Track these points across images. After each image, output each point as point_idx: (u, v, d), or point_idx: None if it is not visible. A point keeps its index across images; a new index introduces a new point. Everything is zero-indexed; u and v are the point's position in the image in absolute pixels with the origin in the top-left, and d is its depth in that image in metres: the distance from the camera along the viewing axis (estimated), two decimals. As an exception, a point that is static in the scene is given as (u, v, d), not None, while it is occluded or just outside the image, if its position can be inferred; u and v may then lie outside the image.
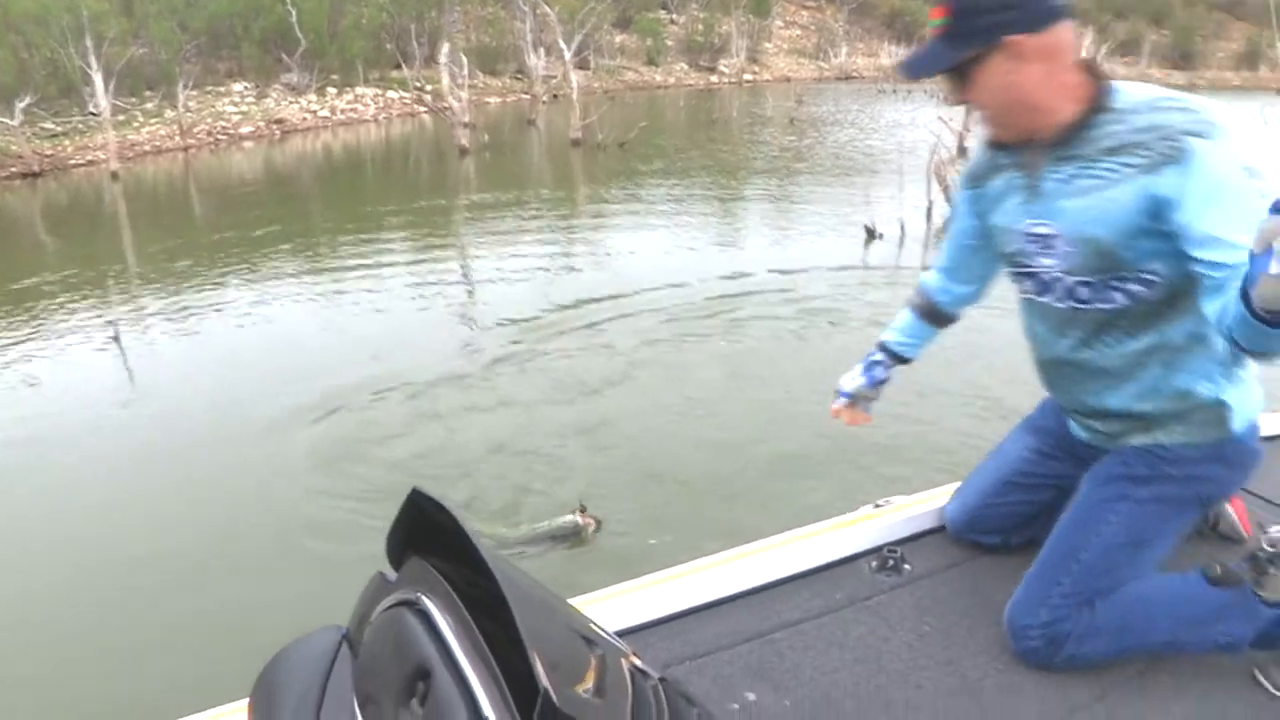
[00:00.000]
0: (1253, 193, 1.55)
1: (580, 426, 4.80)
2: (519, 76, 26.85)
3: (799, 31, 39.78)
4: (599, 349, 6.01)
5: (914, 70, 1.80)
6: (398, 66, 24.10)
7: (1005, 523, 2.26)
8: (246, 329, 6.67)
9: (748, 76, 33.71)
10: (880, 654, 1.96)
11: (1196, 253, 1.58)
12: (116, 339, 6.38)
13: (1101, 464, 2.00)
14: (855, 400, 2.29)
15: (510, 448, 4.57)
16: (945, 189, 10.65)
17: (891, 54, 40.45)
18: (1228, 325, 1.47)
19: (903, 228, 9.48)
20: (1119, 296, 1.79)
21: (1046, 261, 1.85)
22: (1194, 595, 1.92)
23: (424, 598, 1.04)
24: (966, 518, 2.30)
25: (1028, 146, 1.83)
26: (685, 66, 33.10)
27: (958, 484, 2.40)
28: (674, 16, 35.35)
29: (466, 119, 17.06)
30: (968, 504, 2.30)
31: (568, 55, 19.38)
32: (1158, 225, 1.66)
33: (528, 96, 23.90)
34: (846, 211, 10.67)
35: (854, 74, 37.25)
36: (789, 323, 6.57)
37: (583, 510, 3.77)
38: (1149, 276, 1.74)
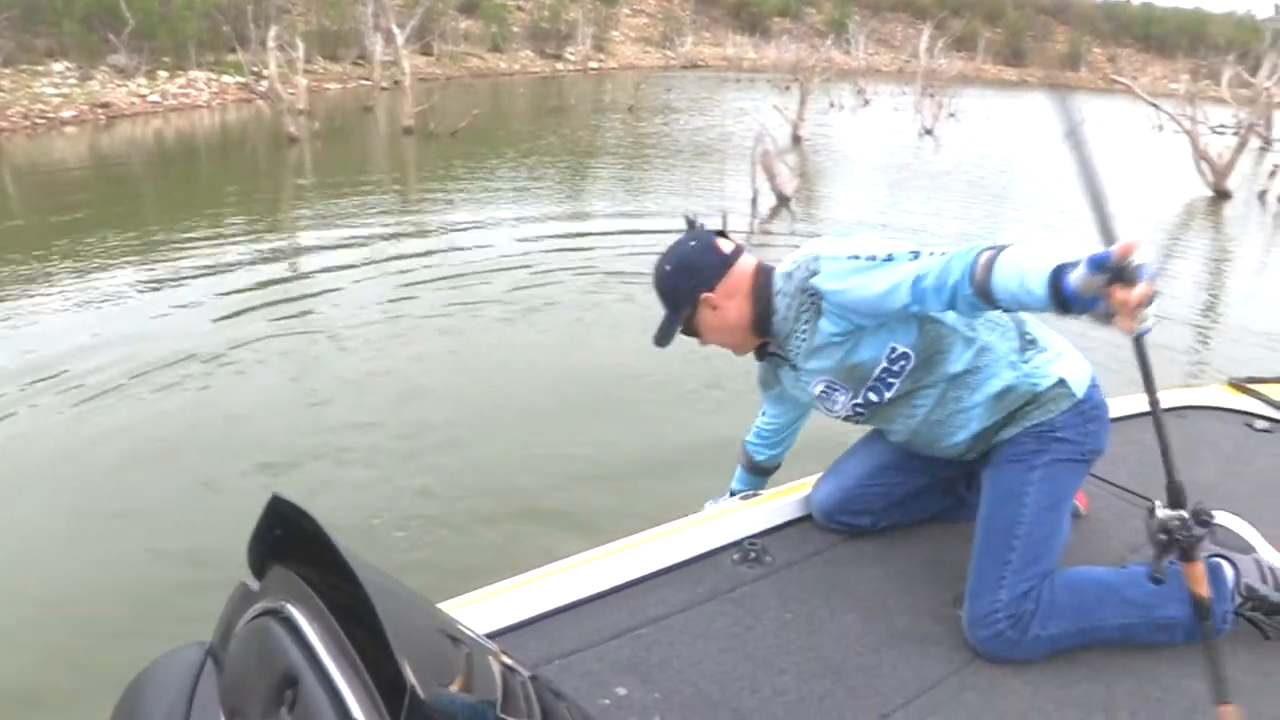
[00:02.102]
0: (869, 253, 1.99)
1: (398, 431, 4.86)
2: (360, 62, 26.39)
3: (646, 20, 40.13)
4: (395, 338, 6.10)
5: (659, 340, 2.27)
6: (234, 50, 23.28)
7: (877, 503, 2.44)
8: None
9: (593, 64, 33.85)
10: (745, 643, 2.03)
11: (892, 305, 1.96)
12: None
13: (995, 452, 2.20)
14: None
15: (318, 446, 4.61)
16: (771, 178, 10.80)
17: (737, 43, 41.19)
18: (986, 305, 1.80)
19: (724, 219, 9.62)
20: (893, 380, 2.15)
21: (841, 398, 2.22)
22: (1138, 580, 2.06)
23: (289, 606, 1.01)
24: (840, 498, 2.45)
25: (774, 346, 2.30)
26: (531, 53, 32.97)
27: (817, 475, 2.52)
28: (520, 2, 35.21)
29: (301, 106, 16.80)
30: (842, 485, 2.46)
31: (400, 40, 19.22)
32: (857, 331, 2.08)
33: (369, 83, 23.59)
34: (674, 201, 10.79)
35: (700, 63, 37.80)
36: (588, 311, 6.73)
37: None
38: (896, 354, 2.11)
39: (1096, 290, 1.50)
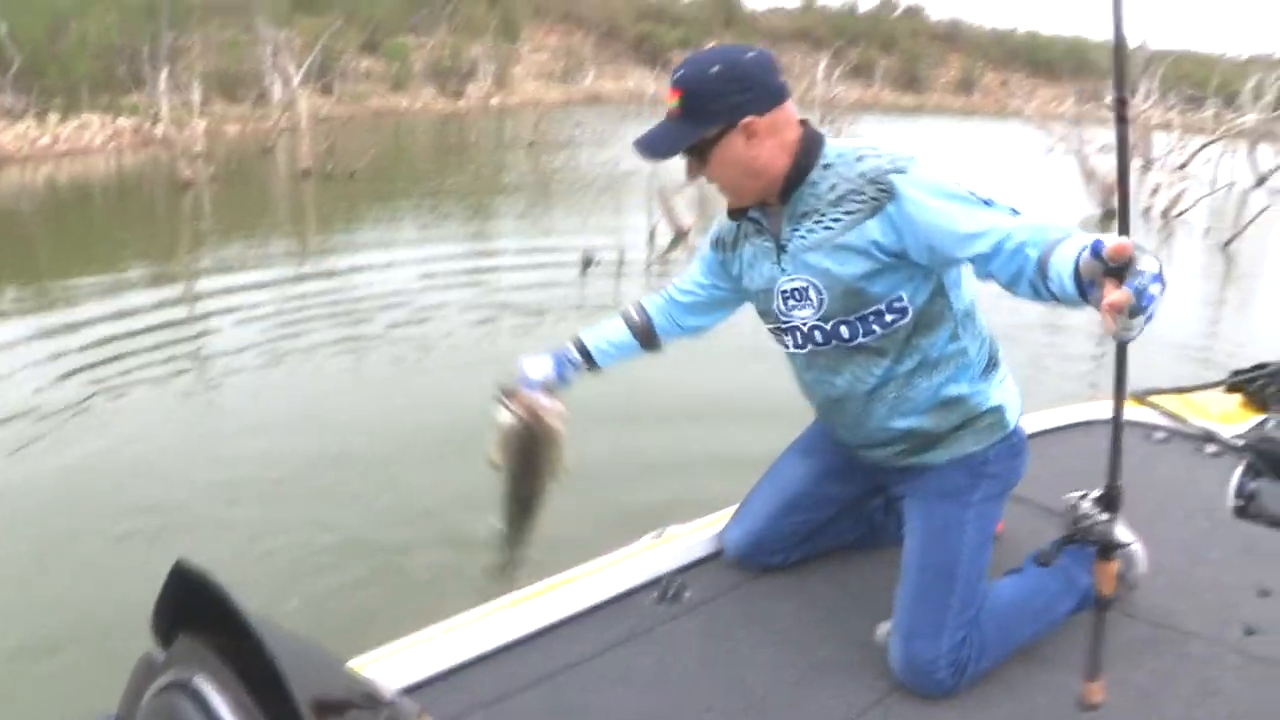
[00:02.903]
0: (966, 191, 1.77)
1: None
2: (261, 103, 26.11)
3: (547, 55, 40.32)
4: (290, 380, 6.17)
5: (653, 150, 1.93)
6: (131, 91, 22.69)
7: (787, 541, 2.37)
8: None
9: (495, 101, 33.89)
10: (667, 683, 2.01)
11: (963, 253, 1.75)
12: None
13: (921, 483, 2.12)
14: (536, 391, 2.14)
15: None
16: (668, 213, 10.90)
17: (638, 77, 41.64)
18: (1054, 297, 1.58)
19: (621, 254, 9.50)
20: (876, 328, 1.95)
21: (803, 313, 2.00)
22: (1038, 587, 2.14)
23: (196, 677, 0.96)
24: (751, 540, 2.37)
25: (765, 212, 2.01)
26: (433, 91, 33.02)
27: (733, 508, 2.47)
28: (421, 40, 35.22)
29: (198, 149, 16.62)
30: (752, 528, 2.37)
31: (295, 81, 19.11)
32: (896, 257, 1.86)
33: (268, 124, 23.31)
34: (572, 238, 10.78)
35: (602, 97, 38.13)
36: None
37: None
38: (898, 304, 1.92)
39: (1094, 275, 1.43)
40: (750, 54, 1.90)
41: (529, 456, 2.08)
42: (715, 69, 1.86)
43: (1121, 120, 1.64)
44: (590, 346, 2.30)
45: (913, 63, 51.17)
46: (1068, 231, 1.58)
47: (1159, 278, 1.37)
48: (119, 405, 5.71)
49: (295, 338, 7.10)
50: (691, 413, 5.50)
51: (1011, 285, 1.68)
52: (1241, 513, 2.76)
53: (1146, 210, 16.07)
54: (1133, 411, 3.26)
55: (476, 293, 8.62)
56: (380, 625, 2.27)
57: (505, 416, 2.09)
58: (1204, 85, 27.76)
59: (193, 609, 1.02)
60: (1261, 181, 23.71)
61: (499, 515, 2.15)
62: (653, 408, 5.44)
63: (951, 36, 53.99)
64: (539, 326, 7.51)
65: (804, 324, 2.02)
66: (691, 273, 2.31)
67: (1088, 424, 3.22)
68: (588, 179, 16.85)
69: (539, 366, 2.21)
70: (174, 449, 5.11)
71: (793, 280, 1.99)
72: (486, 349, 6.94)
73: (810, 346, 2.04)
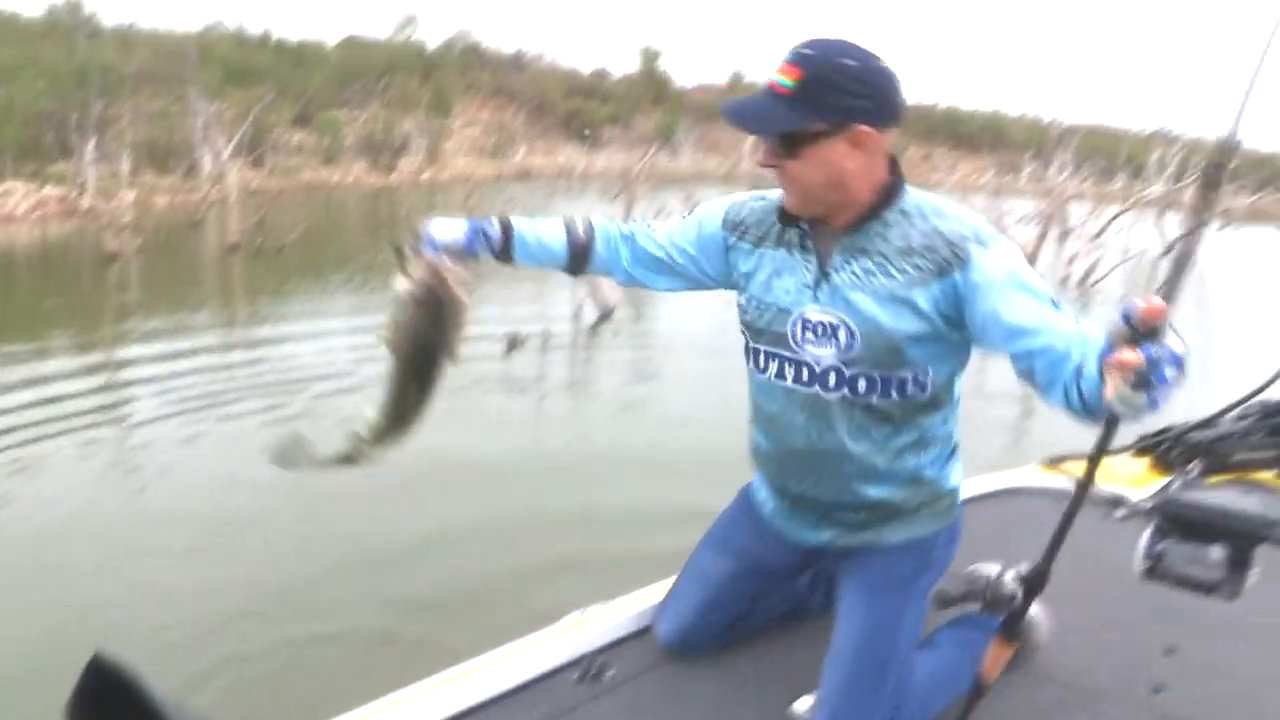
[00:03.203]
0: (1039, 284, 1.67)
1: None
2: (191, 175, 25.94)
3: (479, 130, 40.57)
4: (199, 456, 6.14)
5: (752, 120, 1.78)
6: (59, 159, 22.36)
7: (717, 630, 2.26)
8: None
9: (426, 175, 33.96)
10: None
11: (1013, 346, 1.63)
12: None
13: (865, 569, 2.03)
14: (440, 255, 1.89)
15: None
16: (593, 291, 10.83)
17: (568, 152, 42.09)
18: (1082, 401, 1.49)
19: (546, 334, 9.47)
20: (895, 393, 1.84)
21: (822, 350, 1.85)
22: (953, 661, 2.10)
23: None
24: (682, 633, 2.26)
25: (820, 230, 1.85)
26: (364, 165, 33.09)
27: (659, 584, 2.41)
28: (354, 114, 35.35)
29: (126, 220, 16.44)
30: (682, 622, 2.26)
31: (225, 154, 19.07)
32: (948, 328, 1.76)
33: (198, 196, 23.16)
34: (495, 313, 10.60)
35: (532, 172, 38.42)
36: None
37: None
38: (923, 377, 1.83)
39: (1118, 340, 1.32)
40: (882, 63, 1.74)
41: (426, 330, 1.89)
42: (850, 62, 1.71)
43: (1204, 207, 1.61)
44: (515, 230, 2.04)
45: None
46: (1089, 341, 1.50)
47: (1179, 362, 1.29)
48: (34, 476, 5.63)
49: (217, 409, 7.06)
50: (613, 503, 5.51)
51: (1047, 388, 1.58)
52: (1150, 574, 2.82)
53: (1064, 279, 16.63)
54: (1048, 479, 3.37)
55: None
56: (298, 711, 2.21)
57: (402, 282, 1.89)
58: (1114, 158, 28.85)
59: (108, 699, 0.99)
60: (1169, 249, 24.66)
61: (381, 401, 1.98)
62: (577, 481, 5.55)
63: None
64: (462, 403, 7.55)
65: (818, 363, 1.86)
66: (671, 230, 2.08)
67: (999, 493, 3.30)
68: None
69: (448, 229, 1.95)
70: (90, 522, 5.04)
71: (824, 313, 1.84)
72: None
73: (816, 388, 1.88)
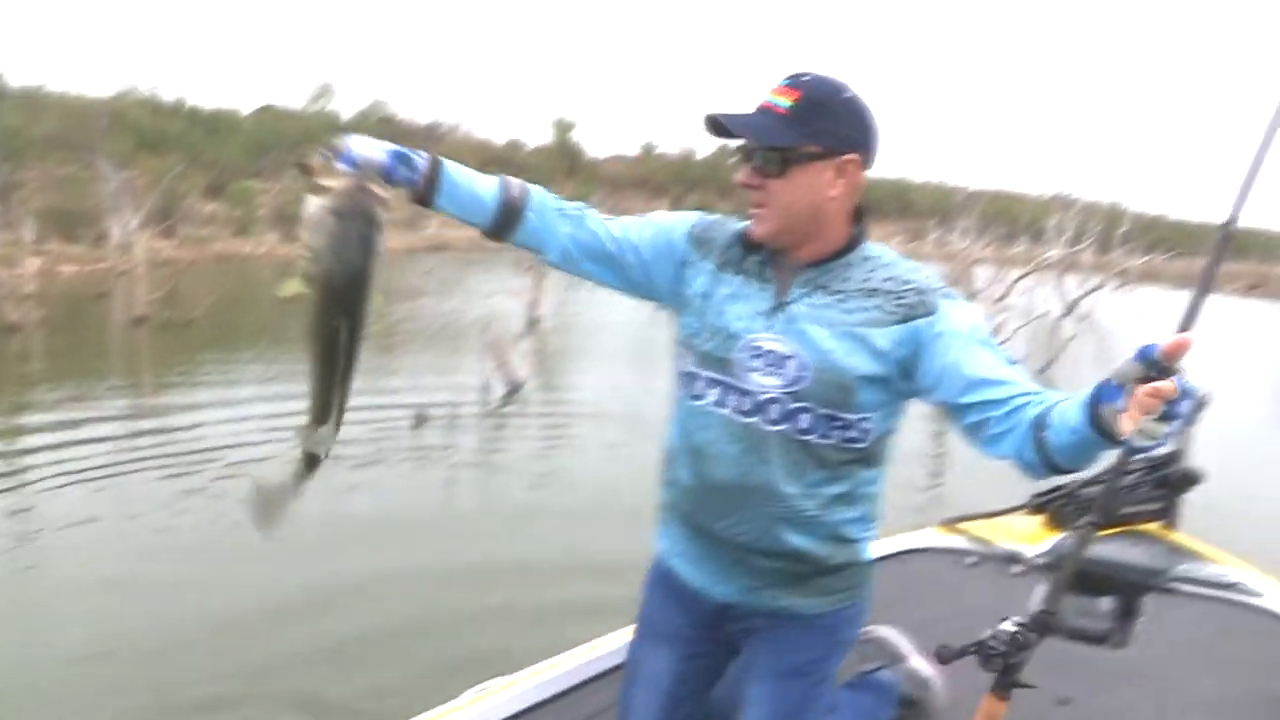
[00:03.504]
0: (994, 339, 1.74)
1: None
2: (100, 244, 25.39)
3: (393, 202, 40.60)
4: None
5: (751, 131, 1.77)
6: None
7: None
8: None
9: (341, 246, 33.61)
10: None
11: (968, 397, 1.67)
12: None
13: (775, 651, 1.98)
14: (359, 173, 1.71)
15: None
16: (502, 365, 10.80)
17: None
18: (1039, 452, 1.55)
19: (454, 410, 9.47)
20: (836, 435, 1.80)
21: (767, 379, 1.80)
22: None
23: None
24: None
25: (781, 261, 1.85)
26: (277, 237, 32.70)
27: (558, 657, 2.42)
28: (267, 185, 34.99)
29: (29, 290, 16.02)
30: None
31: (134, 224, 18.70)
32: (899, 375, 1.77)
33: (105, 266, 22.64)
34: (405, 389, 10.59)
35: (446, 244, 38.35)
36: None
37: None
38: (865, 424, 1.81)
39: (1127, 378, 1.36)
40: (869, 110, 1.81)
41: (351, 249, 1.65)
42: (847, 95, 1.77)
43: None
44: (444, 166, 1.85)
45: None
46: (1040, 399, 1.61)
47: (1195, 399, 1.33)
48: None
49: (117, 486, 6.97)
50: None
51: (998, 439, 1.64)
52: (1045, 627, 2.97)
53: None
54: (946, 539, 3.50)
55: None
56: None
57: (314, 200, 1.66)
58: (1015, 222, 29.86)
59: None
60: (1070, 310, 25.56)
61: (310, 368, 1.76)
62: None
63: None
64: (370, 476, 7.51)
65: (763, 391, 1.80)
66: (626, 226, 1.98)
67: (900, 555, 3.40)
68: (430, 329, 16.61)
69: (369, 147, 1.75)
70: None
71: (776, 342, 1.80)
72: (311, 503, 6.83)
73: (757, 418, 1.82)
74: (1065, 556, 3.21)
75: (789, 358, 1.78)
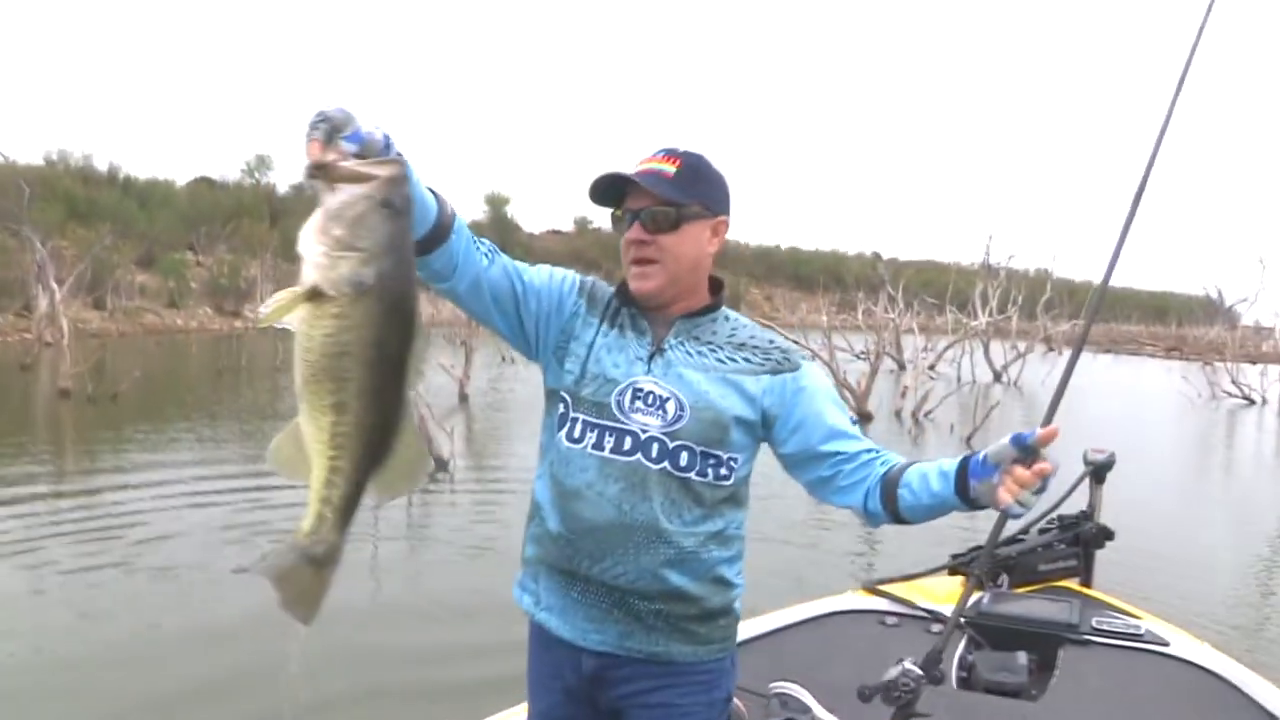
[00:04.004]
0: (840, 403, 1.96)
1: None
2: (25, 314, 24.98)
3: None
4: None
5: (655, 185, 1.89)
6: None
7: None
8: None
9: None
10: None
11: (825, 446, 1.90)
12: None
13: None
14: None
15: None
16: (428, 442, 10.12)
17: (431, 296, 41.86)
18: (886, 506, 1.83)
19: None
20: (711, 472, 1.90)
21: (648, 419, 1.89)
22: None
23: None
24: None
25: (653, 315, 1.97)
26: (209, 310, 32.36)
27: None
28: (200, 258, 34.66)
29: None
30: None
31: (58, 295, 18.38)
32: (762, 423, 1.93)
33: (30, 337, 22.24)
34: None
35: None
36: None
37: None
38: (733, 463, 1.92)
39: (1003, 459, 1.66)
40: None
41: (409, 265, 1.37)
42: (714, 166, 1.99)
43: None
44: (407, 162, 1.48)
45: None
46: (882, 460, 1.89)
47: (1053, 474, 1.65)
48: None
49: (29, 560, 6.81)
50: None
51: (846, 490, 1.90)
52: (964, 684, 3.03)
53: (897, 412, 17.35)
54: (867, 601, 3.53)
55: (225, 513, 8.41)
56: None
57: (353, 187, 1.33)
58: (941, 292, 30.48)
59: None
60: (998, 376, 26.13)
61: (327, 434, 1.34)
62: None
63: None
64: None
65: (644, 430, 1.89)
66: (527, 270, 2.00)
67: (821, 618, 3.43)
68: None
69: (364, 121, 1.46)
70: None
71: (656, 384, 1.90)
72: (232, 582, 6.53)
73: (639, 456, 1.88)
74: (983, 614, 3.35)
75: (668, 399, 1.89)
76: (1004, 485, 1.64)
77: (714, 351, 1.95)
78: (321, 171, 1.33)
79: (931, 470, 1.79)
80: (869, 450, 1.90)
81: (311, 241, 1.31)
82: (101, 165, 37.41)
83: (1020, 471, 1.63)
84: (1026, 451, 1.64)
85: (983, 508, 1.75)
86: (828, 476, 1.90)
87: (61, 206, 30.05)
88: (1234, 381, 26.27)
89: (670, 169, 1.91)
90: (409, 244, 1.39)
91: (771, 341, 2.00)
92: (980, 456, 1.71)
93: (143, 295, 30.79)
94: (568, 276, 2.05)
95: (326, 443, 1.36)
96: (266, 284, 33.51)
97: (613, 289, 2.03)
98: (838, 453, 1.89)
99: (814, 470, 1.92)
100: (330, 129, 1.39)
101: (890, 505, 1.82)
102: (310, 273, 1.31)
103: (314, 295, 1.31)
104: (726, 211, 2.00)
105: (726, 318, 2.01)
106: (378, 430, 1.37)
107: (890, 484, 1.82)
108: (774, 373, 1.95)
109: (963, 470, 1.73)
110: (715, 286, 2.04)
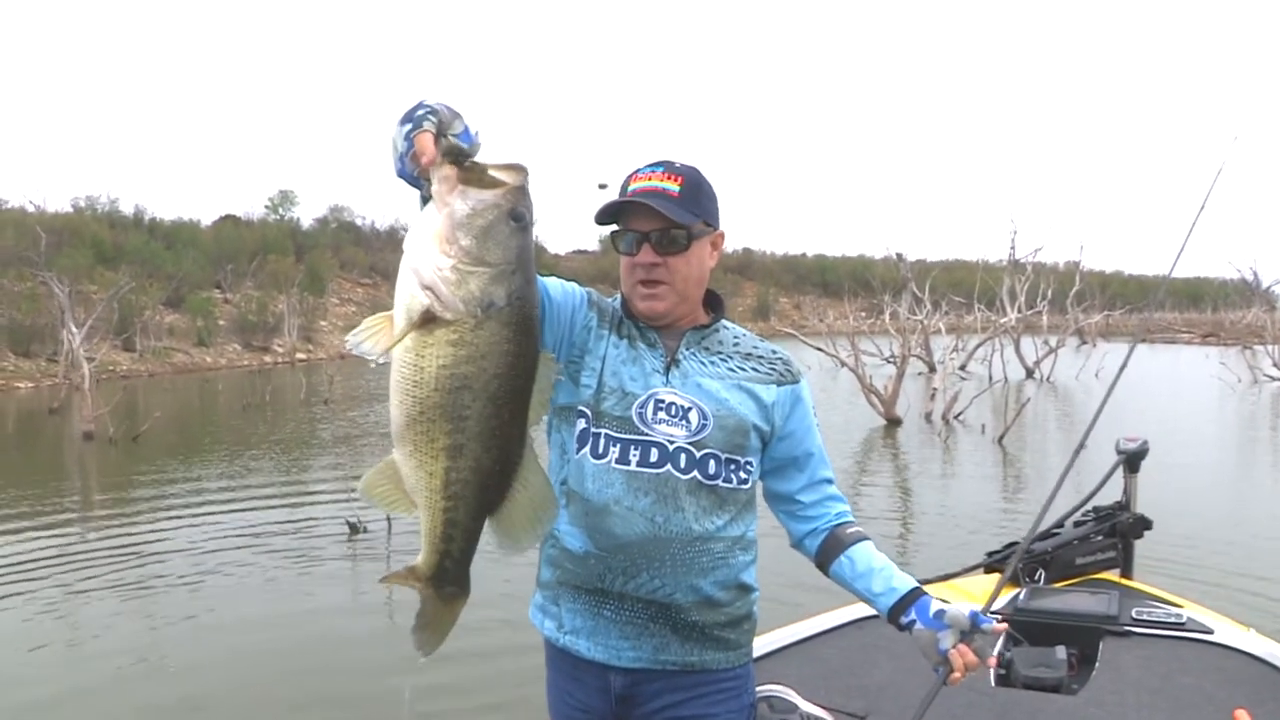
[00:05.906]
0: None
1: None
2: (55, 359, 25.15)
3: (354, 308, 40.12)
4: None
5: (670, 210, 1.88)
6: None
7: None
8: None
9: (301, 355, 33.18)
10: None
11: (808, 467, 2.05)
12: None
13: None
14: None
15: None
16: None
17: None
18: (819, 559, 2.06)
19: (389, 520, 8.88)
20: (734, 478, 1.95)
21: (673, 430, 1.90)
22: None
23: None
24: None
25: (664, 330, 1.99)
26: (238, 346, 32.53)
27: None
28: (227, 295, 34.90)
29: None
30: None
31: (78, 337, 18.47)
32: (770, 430, 1.99)
33: (59, 381, 22.37)
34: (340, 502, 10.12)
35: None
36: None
37: None
38: (750, 466, 1.98)
39: (957, 624, 1.89)
40: None
41: (533, 283, 1.28)
42: (706, 178, 2.00)
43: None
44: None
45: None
46: (837, 511, 2.10)
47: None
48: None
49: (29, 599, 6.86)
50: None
51: (793, 519, 2.09)
52: (1002, 680, 2.98)
53: (927, 415, 17.08)
54: None
55: (241, 554, 8.36)
56: None
57: (480, 193, 1.20)
58: (969, 291, 30.11)
59: None
60: (1031, 372, 25.77)
61: (433, 492, 1.25)
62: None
63: (744, 267, 56.99)
64: (308, 584, 7.50)
65: (671, 441, 1.89)
66: (552, 282, 1.97)
67: (860, 621, 3.33)
68: (359, 435, 16.22)
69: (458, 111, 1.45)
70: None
71: (676, 395, 1.91)
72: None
73: (668, 467, 1.88)
74: (1020, 611, 3.33)
75: (689, 409, 1.92)
76: (958, 664, 1.89)
77: (725, 360, 1.99)
78: (455, 170, 1.15)
79: (879, 569, 2.00)
80: (831, 498, 2.10)
81: (433, 252, 1.16)
82: (128, 209, 37.78)
83: (970, 655, 1.88)
84: (976, 630, 1.87)
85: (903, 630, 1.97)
86: (791, 497, 2.07)
87: (89, 251, 30.34)
88: (1275, 364, 25.79)
89: (674, 187, 1.92)
90: (533, 262, 1.27)
91: (774, 352, 2.07)
92: (935, 609, 1.91)
93: (171, 335, 30.91)
94: (577, 290, 2.03)
95: (439, 491, 1.24)
96: (293, 317, 33.95)
97: (615, 302, 2.06)
98: (819, 479, 2.08)
99: (783, 484, 2.08)
100: (438, 124, 1.30)
101: (824, 561, 2.04)
102: (419, 293, 1.15)
103: (426, 319, 1.17)
104: (718, 224, 2.03)
105: (728, 327, 2.07)
106: (495, 476, 1.26)
107: (835, 544, 2.03)
108: (779, 383, 2.02)
109: (907, 601, 1.96)
110: (713, 296, 2.09)
